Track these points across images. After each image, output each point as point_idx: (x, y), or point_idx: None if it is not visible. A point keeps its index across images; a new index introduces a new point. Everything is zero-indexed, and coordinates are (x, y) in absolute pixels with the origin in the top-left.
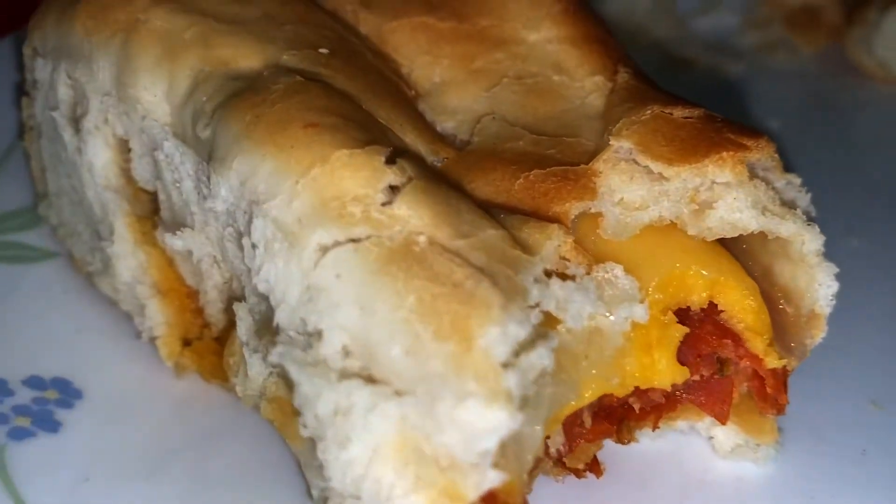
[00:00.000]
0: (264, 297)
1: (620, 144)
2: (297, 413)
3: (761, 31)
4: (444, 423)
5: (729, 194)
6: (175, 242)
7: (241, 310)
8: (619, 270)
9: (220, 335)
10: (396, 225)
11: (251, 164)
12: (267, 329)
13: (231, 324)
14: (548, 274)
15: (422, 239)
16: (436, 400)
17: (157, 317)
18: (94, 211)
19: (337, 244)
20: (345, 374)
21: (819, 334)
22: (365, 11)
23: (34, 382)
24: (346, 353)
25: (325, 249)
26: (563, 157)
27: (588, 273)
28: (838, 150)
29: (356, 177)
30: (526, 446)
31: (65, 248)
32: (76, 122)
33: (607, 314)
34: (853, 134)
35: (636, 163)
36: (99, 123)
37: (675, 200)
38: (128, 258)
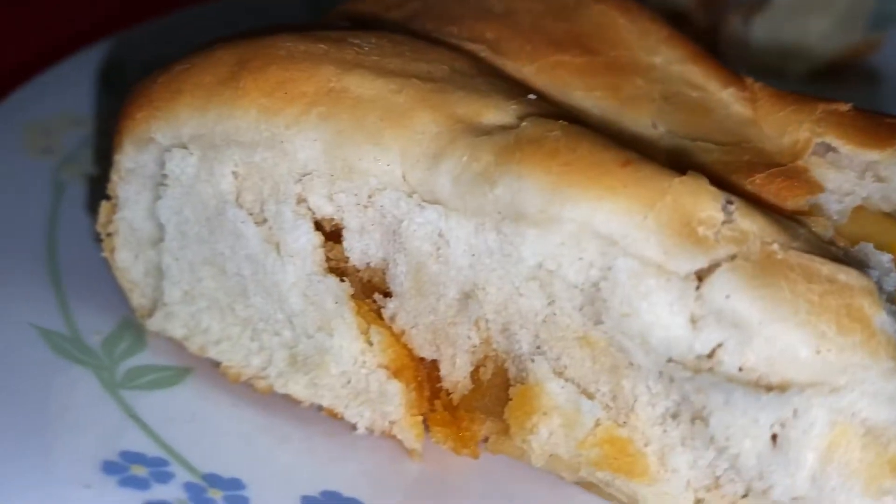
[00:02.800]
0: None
1: (823, 140)
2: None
3: None
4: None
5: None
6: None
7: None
8: (869, 248)
9: (460, 401)
10: (748, 238)
11: (587, 209)
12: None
13: (479, 386)
14: None
15: (776, 247)
16: (865, 384)
17: (396, 399)
18: (290, 305)
19: (708, 269)
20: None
21: None
22: (501, 58)
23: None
24: (741, 368)
25: (698, 276)
26: (759, 160)
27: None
28: None
29: (698, 202)
30: None
31: (203, 358)
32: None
33: None
34: None
35: (826, 154)
36: (295, 207)
37: (877, 181)
38: (352, 344)
